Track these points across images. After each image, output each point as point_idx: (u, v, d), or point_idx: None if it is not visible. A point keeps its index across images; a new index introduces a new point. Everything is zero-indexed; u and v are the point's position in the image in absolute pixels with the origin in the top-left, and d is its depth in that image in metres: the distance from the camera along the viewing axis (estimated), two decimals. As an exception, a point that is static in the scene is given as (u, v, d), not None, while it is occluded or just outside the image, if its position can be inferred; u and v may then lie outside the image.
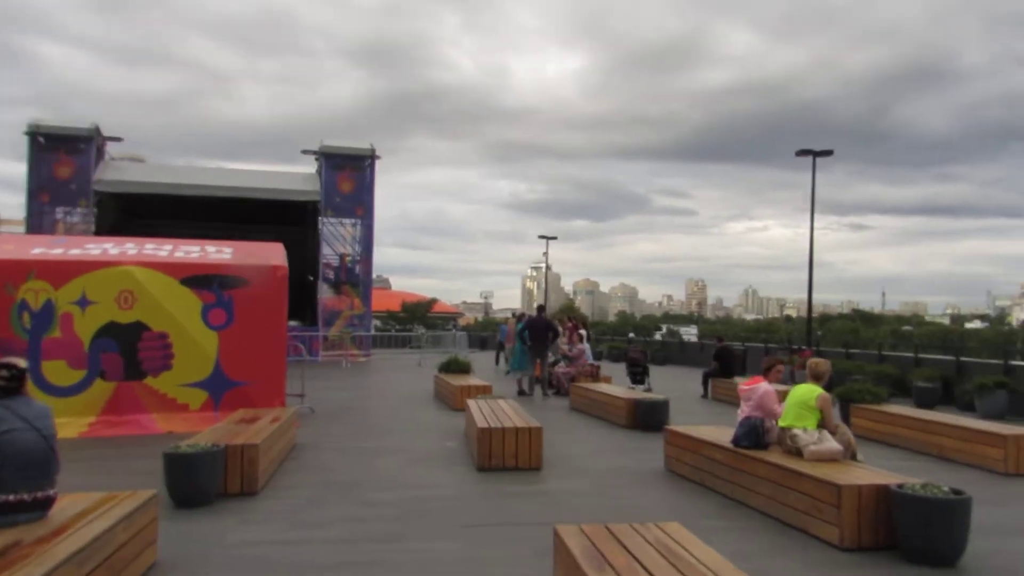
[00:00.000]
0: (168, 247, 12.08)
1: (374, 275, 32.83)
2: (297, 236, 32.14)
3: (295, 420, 10.16)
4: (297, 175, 31.87)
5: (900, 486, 5.59)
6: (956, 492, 5.44)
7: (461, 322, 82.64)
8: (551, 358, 17.10)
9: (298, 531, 5.96)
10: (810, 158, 26.38)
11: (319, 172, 31.22)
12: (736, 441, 7.20)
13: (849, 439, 6.95)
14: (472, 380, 15.09)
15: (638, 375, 17.18)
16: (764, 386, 7.32)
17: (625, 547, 4.03)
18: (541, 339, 16.30)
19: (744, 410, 7.36)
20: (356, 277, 31.51)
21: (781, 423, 7.05)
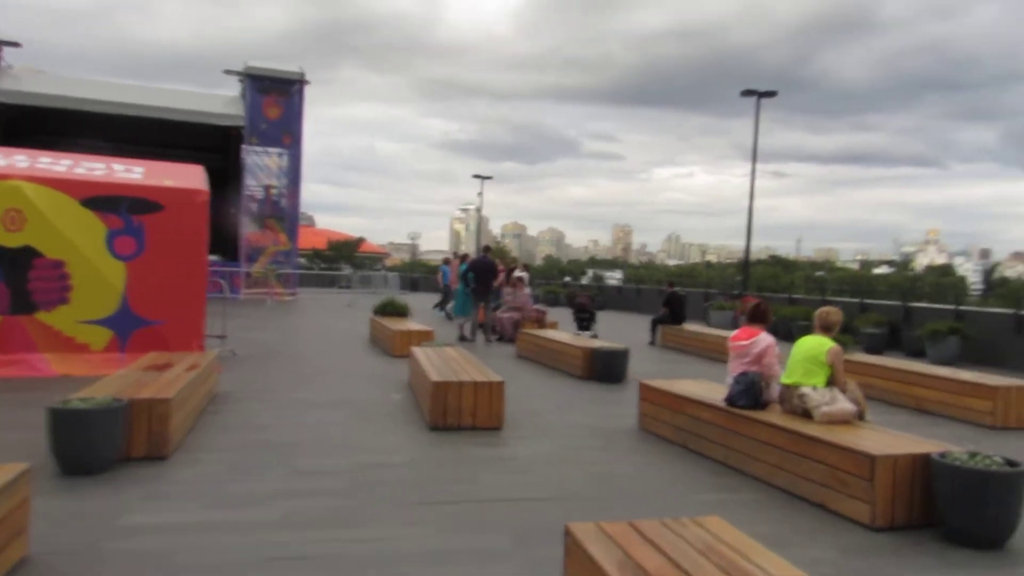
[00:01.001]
0: (67, 162, 10.43)
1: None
2: (218, 165, 29.89)
3: (216, 365, 8.88)
4: (218, 97, 29.53)
5: (943, 455, 4.78)
6: (1011, 463, 4.65)
7: (388, 263, 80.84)
8: (494, 302, 16.08)
9: (216, 511, 4.80)
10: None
11: (243, 96, 28.99)
12: (731, 400, 6.30)
13: (859, 397, 6.13)
14: (411, 324, 13.95)
15: (585, 321, 16.33)
16: (767, 338, 6.43)
17: (666, 555, 3.04)
18: (486, 282, 15.23)
19: (736, 366, 6.48)
20: (282, 211, 29.68)
21: (786, 380, 6.18)
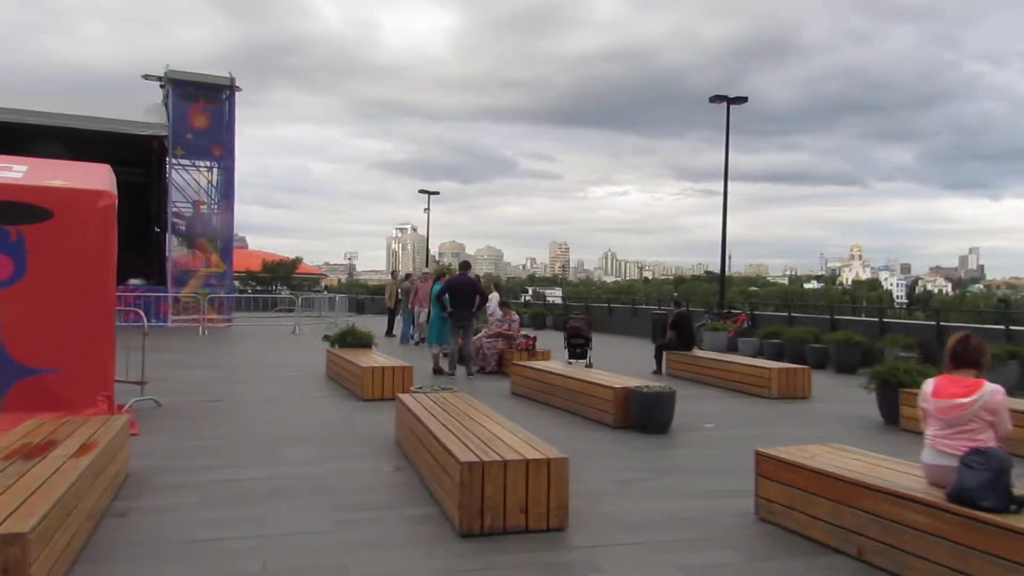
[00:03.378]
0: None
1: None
2: (140, 180, 26.85)
3: (125, 436, 6.21)
4: (137, 105, 26.38)
5: None
6: None
7: (323, 283, 77.42)
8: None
9: None
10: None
11: (165, 103, 25.98)
12: (964, 495, 3.93)
13: None
14: (381, 358, 11.39)
15: (579, 348, 13.97)
16: (994, 390, 4.16)
17: None
18: (465, 304, 12.78)
19: (948, 436, 4.15)
20: (213, 230, 26.64)
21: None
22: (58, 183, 7.62)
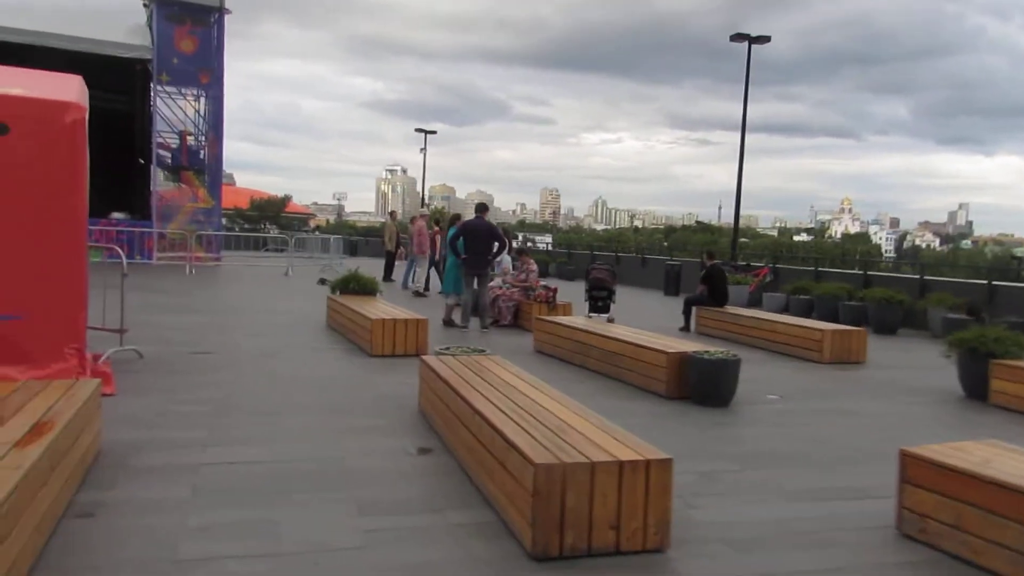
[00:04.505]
0: None
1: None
2: (122, 107, 25.14)
3: (97, 401, 5.01)
4: (119, 23, 24.50)
5: None
6: None
7: (312, 223, 75.83)
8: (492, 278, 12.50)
9: None
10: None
11: (149, 24, 24.17)
12: None
13: None
14: (390, 308, 10.22)
15: (601, 301, 12.84)
16: None
17: None
18: (481, 251, 11.59)
19: None
20: (201, 163, 25.09)
21: None
22: (16, 91, 6.27)
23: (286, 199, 63.88)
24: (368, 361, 8.67)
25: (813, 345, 10.13)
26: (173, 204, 24.28)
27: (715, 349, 7.51)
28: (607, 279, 12.75)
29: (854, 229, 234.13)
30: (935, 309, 13.56)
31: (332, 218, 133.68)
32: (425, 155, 44.81)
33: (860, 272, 16.80)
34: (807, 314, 14.93)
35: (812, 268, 18.69)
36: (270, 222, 56.56)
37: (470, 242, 11.54)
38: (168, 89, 24.21)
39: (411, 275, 18.02)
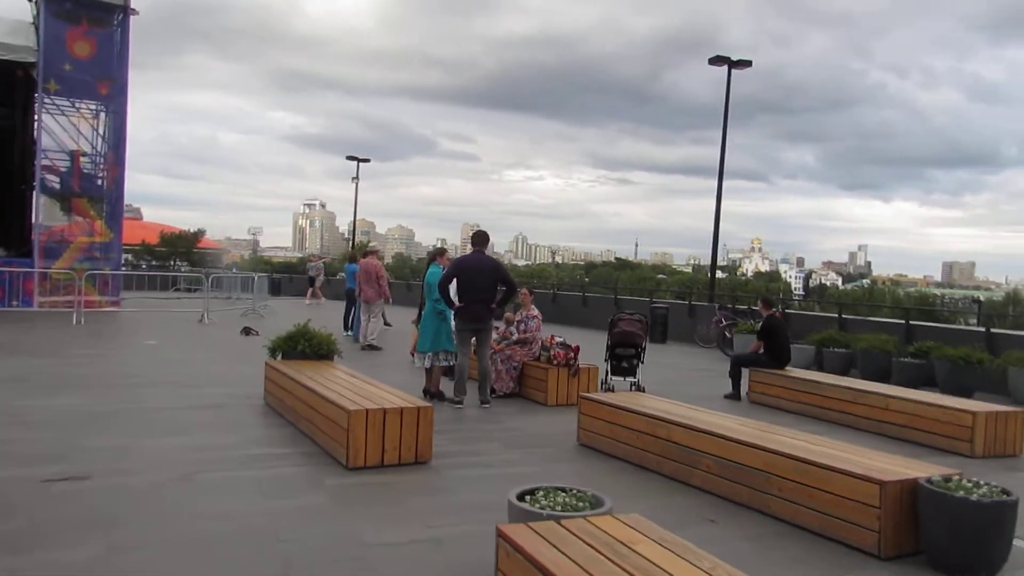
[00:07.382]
0: None
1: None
2: (1, 121, 21.11)
3: None
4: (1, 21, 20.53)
5: None
6: None
7: (227, 259, 70.79)
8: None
9: None
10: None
11: (36, 22, 20.29)
12: None
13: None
14: (359, 381, 6.93)
15: (627, 361, 9.84)
16: None
17: None
18: (483, 298, 8.45)
19: None
20: (98, 189, 21.10)
21: None
22: None
23: (199, 233, 58.84)
24: (348, 486, 5.38)
25: (957, 432, 7.32)
26: (61, 239, 20.21)
27: (970, 481, 4.46)
28: (638, 333, 9.77)
29: (764, 267, 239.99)
30: (1018, 370, 11.06)
31: (247, 253, 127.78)
32: (357, 185, 41.40)
33: (901, 321, 14.22)
34: (845, 372, 12.41)
35: (818, 313, 16.28)
36: (182, 259, 51.72)
37: (467, 285, 8.39)
38: (58, 101, 20.30)
39: (360, 323, 14.59)
